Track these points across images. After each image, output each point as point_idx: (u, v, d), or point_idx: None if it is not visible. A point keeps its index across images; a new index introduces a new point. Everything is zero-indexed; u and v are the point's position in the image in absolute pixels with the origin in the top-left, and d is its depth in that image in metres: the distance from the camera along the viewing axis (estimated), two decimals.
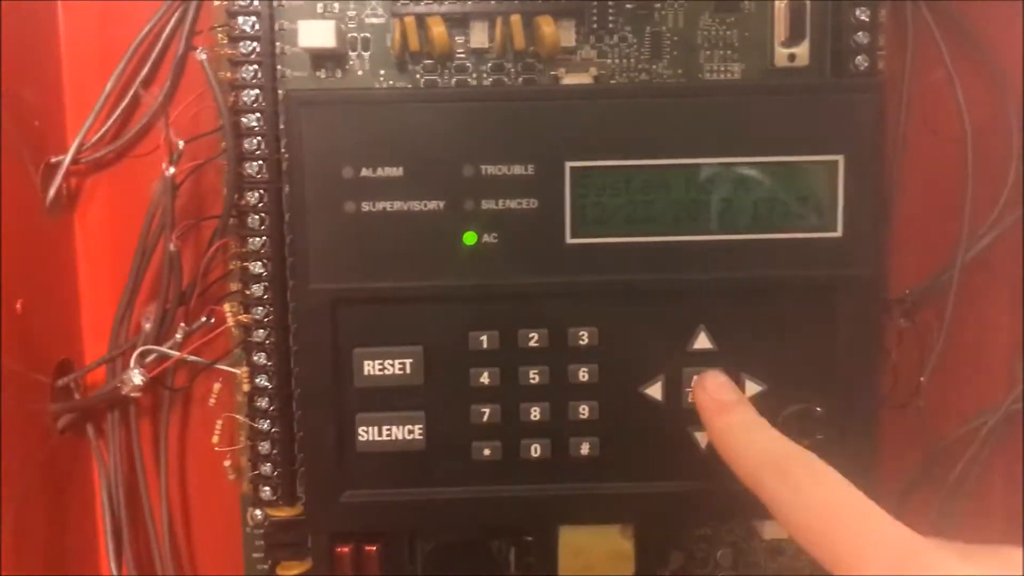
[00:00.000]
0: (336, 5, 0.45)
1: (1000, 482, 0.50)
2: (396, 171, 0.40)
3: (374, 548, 0.45)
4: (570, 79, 0.45)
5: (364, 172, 0.40)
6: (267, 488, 0.45)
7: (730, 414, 0.39)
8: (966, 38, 0.47)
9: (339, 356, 0.42)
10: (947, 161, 0.48)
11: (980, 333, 0.49)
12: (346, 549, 0.45)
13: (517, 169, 0.41)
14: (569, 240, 0.41)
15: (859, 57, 0.44)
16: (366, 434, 0.42)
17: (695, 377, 0.41)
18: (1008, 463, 0.50)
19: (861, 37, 0.44)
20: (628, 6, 0.45)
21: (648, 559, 0.46)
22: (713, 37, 0.46)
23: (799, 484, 0.33)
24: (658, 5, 0.45)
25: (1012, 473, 0.49)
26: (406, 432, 0.42)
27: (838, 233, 0.41)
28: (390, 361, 0.42)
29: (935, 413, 0.48)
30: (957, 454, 0.48)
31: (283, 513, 0.46)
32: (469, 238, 0.41)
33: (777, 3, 0.45)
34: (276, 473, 0.45)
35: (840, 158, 0.41)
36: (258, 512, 0.47)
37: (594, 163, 0.41)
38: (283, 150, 0.42)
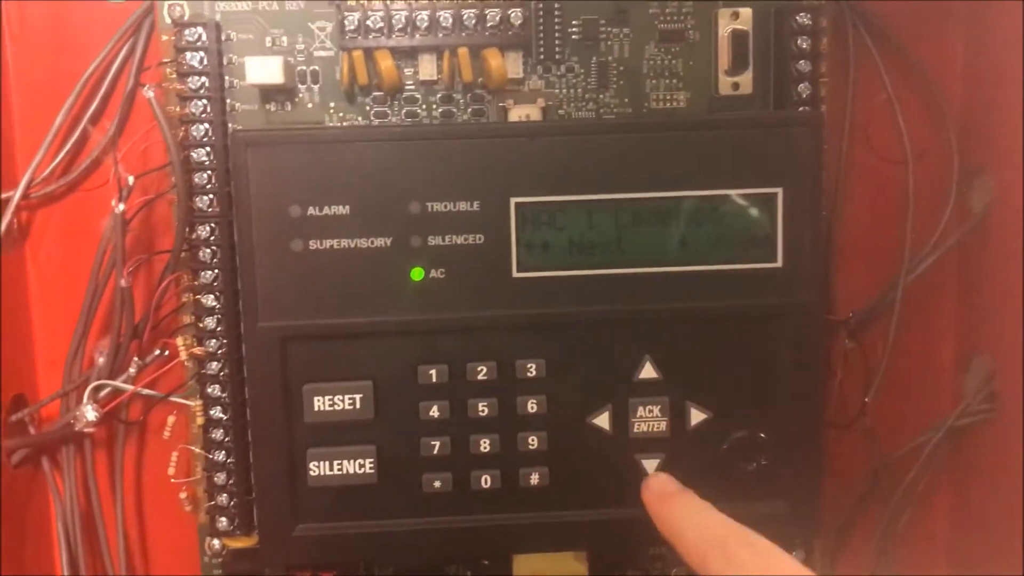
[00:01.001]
0: (284, 39, 0.45)
1: (945, 498, 0.51)
2: (343, 209, 0.41)
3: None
4: (518, 110, 0.46)
5: (311, 211, 0.41)
6: (224, 519, 0.45)
7: (673, 499, 0.40)
8: (907, 63, 0.48)
9: (290, 392, 0.42)
10: (889, 183, 0.49)
11: (923, 352, 0.51)
12: None
13: (463, 205, 0.41)
14: (515, 274, 0.42)
15: (801, 85, 0.45)
16: (317, 469, 0.43)
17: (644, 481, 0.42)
18: (953, 479, 0.51)
19: (803, 65, 0.45)
20: (574, 37, 0.46)
21: None
22: (659, 67, 0.47)
23: (744, 563, 0.34)
24: (603, 35, 0.46)
25: (957, 488, 0.51)
26: (357, 466, 0.43)
27: (778, 264, 0.42)
28: (340, 396, 0.42)
29: (881, 431, 0.49)
30: (903, 471, 0.49)
31: (240, 543, 0.46)
32: (416, 274, 0.41)
33: (720, 33, 0.46)
34: (232, 503, 0.45)
35: (779, 191, 0.41)
36: (216, 542, 0.47)
37: (538, 198, 0.41)
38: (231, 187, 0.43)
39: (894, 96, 0.48)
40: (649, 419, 0.43)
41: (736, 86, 0.46)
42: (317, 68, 0.46)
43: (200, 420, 0.45)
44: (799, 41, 0.45)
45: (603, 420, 0.43)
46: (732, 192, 0.41)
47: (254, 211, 0.41)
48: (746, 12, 0.46)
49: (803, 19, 0.45)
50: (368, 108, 0.46)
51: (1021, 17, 0.44)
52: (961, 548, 0.51)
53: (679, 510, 0.39)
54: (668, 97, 0.47)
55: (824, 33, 0.45)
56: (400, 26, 0.44)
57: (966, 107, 0.49)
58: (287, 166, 0.40)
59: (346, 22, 0.44)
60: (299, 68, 0.45)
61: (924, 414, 0.50)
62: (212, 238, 0.44)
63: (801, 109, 0.44)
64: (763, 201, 0.41)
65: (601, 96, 0.47)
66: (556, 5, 0.46)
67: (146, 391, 0.46)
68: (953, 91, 0.49)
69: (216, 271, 0.44)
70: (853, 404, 0.48)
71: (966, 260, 0.49)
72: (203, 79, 0.44)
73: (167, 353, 0.46)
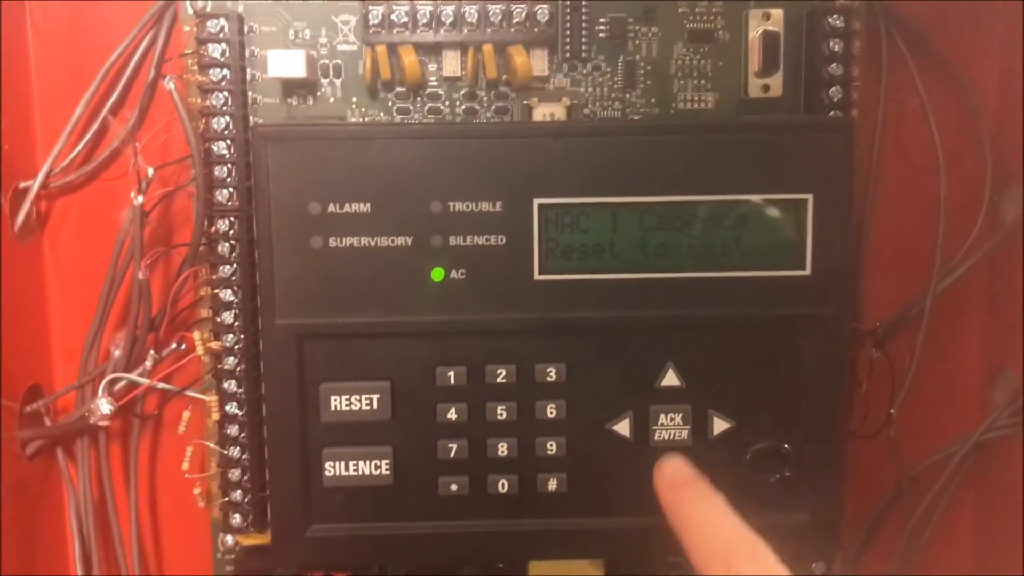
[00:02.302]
0: (308, 32, 0.45)
1: (969, 512, 0.50)
2: (363, 207, 0.40)
3: None
4: (543, 108, 0.45)
5: (331, 208, 0.40)
6: (237, 515, 0.45)
7: (686, 489, 0.39)
8: (941, 68, 0.47)
9: (306, 391, 0.42)
10: (920, 191, 0.48)
11: (951, 364, 0.50)
12: None
13: (485, 205, 0.40)
14: (537, 276, 0.41)
15: (832, 88, 0.44)
16: (333, 469, 0.42)
17: (657, 463, 0.41)
18: (977, 492, 0.50)
19: (835, 68, 0.44)
20: (602, 35, 0.45)
21: None
22: (687, 67, 0.46)
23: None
24: (631, 34, 0.45)
25: (981, 502, 0.50)
26: (373, 467, 0.42)
27: (807, 272, 0.41)
28: (357, 396, 0.42)
29: (906, 443, 0.48)
30: (927, 484, 0.48)
31: (253, 540, 0.46)
32: (437, 274, 0.41)
33: (751, 34, 0.45)
34: (246, 500, 0.45)
35: (809, 197, 0.40)
36: (228, 538, 0.47)
37: (562, 200, 0.40)
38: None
39: (927, 102, 0.47)
40: (670, 427, 0.42)
41: (766, 88, 0.45)
42: (340, 62, 0.45)
43: (215, 415, 0.45)
44: (831, 44, 0.44)
45: (623, 427, 0.42)
46: (760, 197, 0.40)
47: (273, 207, 0.40)
48: (777, 13, 0.45)
49: (836, 21, 0.44)
50: (390, 104, 0.45)
51: None
52: (984, 564, 0.50)
53: (690, 503, 0.38)
54: (696, 98, 0.46)
55: (857, 36, 0.44)
56: (424, 21, 0.44)
57: (1000, 115, 0.48)
58: (307, 162, 0.40)
59: (370, 16, 0.44)
60: (322, 62, 0.45)
61: (950, 427, 0.49)
62: (231, 232, 0.43)
63: (832, 113, 0.44)
64: (792, 207, 0.41)
65: (628, 96, 0.46)
66: (584, 2, 0.45)
67: (162, 385, 0.46)
68: (988, 98, 0.48)
69: (235, 266, 0.43)
70: (878, 415, 0.47)
71: (996, 272, 0.48)
72: (224, 71, 0.43)
73: (183, 347, 0.46)
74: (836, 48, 0.44)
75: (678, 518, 0.38)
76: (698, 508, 0.38)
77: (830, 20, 0.44)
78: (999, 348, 0.48)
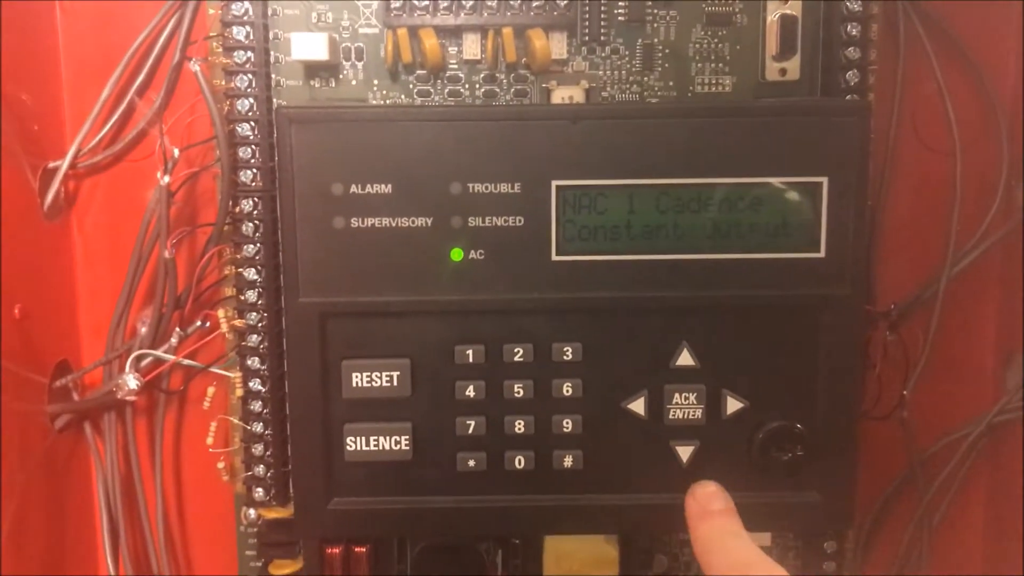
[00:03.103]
0: (330, 15, 0.45)
1: (981, 494, 0.51)
2: (385, 188, 0.41)
3: (363, 549, 0.46)
4: (561, 91, 0.46)
5: (353, 189, 0.41)
6: (260, 489, 0.46)
7: (712, 519, 0.40)
8: (958, 53, 0.48)
9: (328, 368, 0.42)
10: (937, 174, 0.48)
11: (964, 347, 0.50)
12: (336, 550, 0.46)
13: (504, 187, 0.41)
14: (554, 257, 0.41)
15: (849, 72, 0.44)
16: (354, 444, 0.43)
17: (691, 487, 0.42)
18: (990, 474, 0.50)
19: (852, 52, 0.44)
20: (620, 18, 0.46)
21: (632, 563, 0.47)
22: (705, 50, 0.46)
23: None
24: (650, 17, 0.46)
25: (994, 484, 0.50)
26: (393, 443, 0.43)
27: (821, 254, 0.41)
28: (378, 373, 0.42)
29: (919, 425, 0.49)
30: (939, 465, 0.49)
31: (276, 513, 0.47)
32: (456, 254, 0.41)
33: (769, 17, 0.45)
34: (269, 475, 0.46)
35: (825, 180, 0.41)
36: (252, 512, 0.48)
37: (580, 182, 0.41)
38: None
39: (944, 86, 0.47)
40: (685, 406, 0.43)
41: (783, 72, 0.46)
42: (362, 45, 0.46)
43: (239, 391, 0.46)
44: (849, 28, 0.44)
45: (638, 406, 0.43)
46: (776, 180, 0.41)
47: (297, 188, 0.41)
48: None
49: (853, 5, 0.44)
50: (411, 86, 0.46)
51: None
52: (995, 545, 0.50)
53: (716, 531, 0.39)
54: (714, 81, 0.46)
55: (875, 20, 0.45)
56: (445, 4, 0.44)
57: (1018, 100, 0.48)
58: (330, 144, 0.41)
59: None
60: (344, 45, 0.46)
61: (963, 409, 0.49)
62: (255, 212, 0.44)
63: (849, 97, 0.44)
64: (808, 190, 0.41)
65: (646, 79, 0.46)
66: None
67: (187, 361, 0.47)
68: (1005, 83, 0.48)
69: (258, 245, 0.44)
70: (891, 396, 0.48)
71: (1011, 256, 0.49)
72: (249, 54, 0.44)
73: (208, 324, 0.47)
74: (853, 32, 0.44)
75: (702, 545, 0.39)
76: (722, 536, 0.39)
77: (848, 4, 0.44)
78: (1012, 332, 0.49)
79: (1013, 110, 0.48)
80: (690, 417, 0.43)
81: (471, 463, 0.43)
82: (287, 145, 0.41)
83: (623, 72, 0.46)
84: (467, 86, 0.46)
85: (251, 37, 0.44)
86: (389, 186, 0.41)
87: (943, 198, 0.48)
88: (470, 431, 0.43)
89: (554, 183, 0.41)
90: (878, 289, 0.48)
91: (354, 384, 0.42)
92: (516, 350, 0.42)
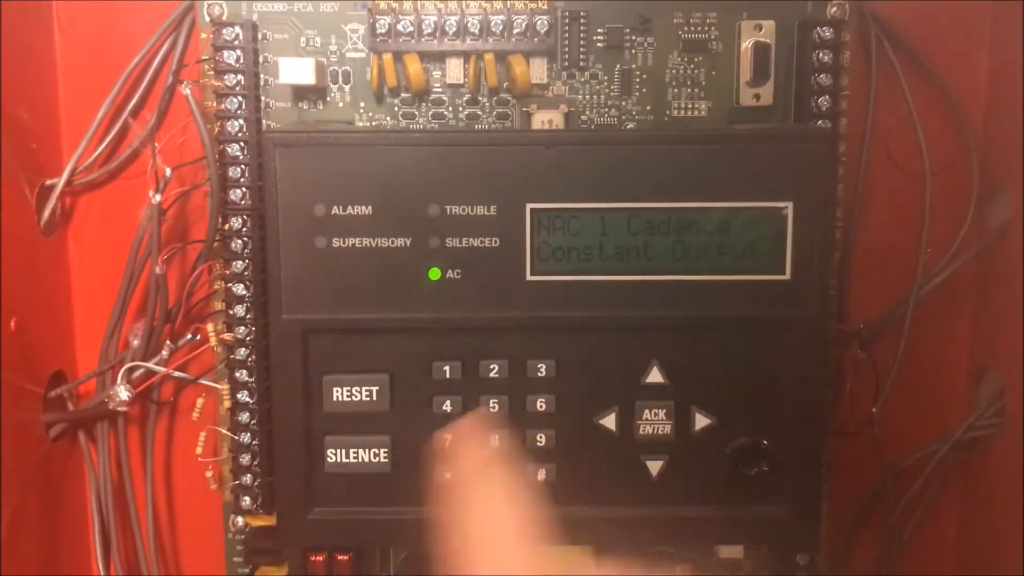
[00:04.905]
0: (318, 39, 0.47)
1: (952, 510, 0.52)
2: (365, 209, 0.42)
3: (347, 557, 0.47)
4: (542, 115, 0.47)
5: (335, 210, 0.42)
6: (247, 498, 0.47)
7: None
8: (930, 78, 0.49)
9: (310, 382, 0.44)
10: (908, 196, 0.50)
11: (934, 365, 0.51)
12: (320, 557, 0.47)
13: (480, 209, 0.42)
14: (529, 277, 0.43)
15: (821, 98, 0.46)
16: (334, 456, 0.44)
17: None
18: (961, 489, 0.51)
19: (824, 79, 0.46)
20: (599, 45, 0.47)
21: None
22: (681, 76, 0.47)
23: None
24: (628, 43, 0.47)
25: (965, 499, 0.51)
26: (372, 455, 0.44)
27: (787, 276, 0.42)
28: (358, 388, 0.44)
29: (890, 442, 0.50)
30: (909, 481, 0.50)
31: (262, 521, 0.48)
32: (434, 273, 0.43)
33: (743, 44, 0.47)
34: (256, 484, 0.47)
35: (790, 205, 0.42)
36: (239, 519, 0.49)
37: (554, 205, 0.42)
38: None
39: (915, 111, 0.49)
40: (654, 422, 0.44)
41: (757, 97, 0.47)
42: (349, 69, 0.47)
43: (227, 403, 0.47)
44: (820, 55, 0.45)
45: (610, 421, 0.44)
46: (743, 205, 0.42)
47: (281, 208, 0.42)
48: (769, 24, 0.46)
49: (825, 33, 0.45)
50: (396, 109, 0.48)
51: None
52: (967, 559, 0.51)
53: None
54: (689, 106, 0.48)
55: (846, 47, 0.46)
56: (429, 31, 0.46)
57: (988, 124, 0.49)
58: (313, 167, 0.42)
59: (377, 25, 0.46)
60: (331, 68, 0.47)
61: (933, 426, 0.50)
62: (244, 230, 0.45)
63: (820, 122, 0.45)
64: (774, 215, 0.42)
65: (623, 103, 0.48)
66: (582, 13, 0.47)
67: (177, 373, 0.48)
68: (976, 108, 0.49)
69: (246, 261, 0.45)
70: (862, 413, 0.49)
71: (982, 276, 0.50)
72: (239, 77, 0.45)
73: (198, 338, 0.48)
74: (825, 59, 0.46)
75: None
76: None
77: (820, 31, 0.45)
78: (984, 350, 0.50)
79: (984, 133, 0.49)
80: (660, 432, 0.44)
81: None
82: (272, 168, 0.42)
83: (602, 96, 0.48)
84: (451, 109, 0.48)
85: (241, 61, 0.45)
86: (369, 208, 0.42)
87: (915, 219, 0.49)
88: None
89: (528, 206, 0.42)
90: (850, 308, 0.49)
91: (335, 398, 0.44)
92: (492, 366, 0.44)
